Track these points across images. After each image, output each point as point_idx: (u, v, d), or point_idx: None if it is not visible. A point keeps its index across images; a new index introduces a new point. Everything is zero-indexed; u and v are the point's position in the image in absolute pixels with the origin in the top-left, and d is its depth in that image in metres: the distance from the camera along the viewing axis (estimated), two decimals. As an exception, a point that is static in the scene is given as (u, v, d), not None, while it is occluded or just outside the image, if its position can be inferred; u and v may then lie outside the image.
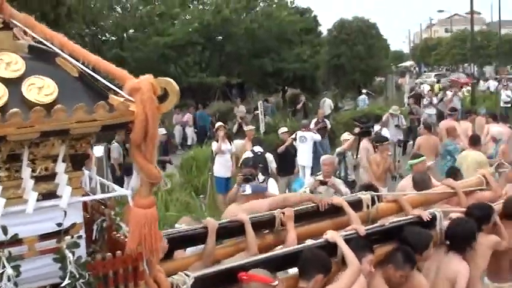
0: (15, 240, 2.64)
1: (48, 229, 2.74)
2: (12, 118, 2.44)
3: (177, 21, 30.73)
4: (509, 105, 22.63)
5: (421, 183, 6.50)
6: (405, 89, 34.14)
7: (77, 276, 2.67)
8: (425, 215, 5.05)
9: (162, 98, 2.74)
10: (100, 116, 2.64)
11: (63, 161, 2.77)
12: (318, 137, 14.93)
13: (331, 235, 4.30)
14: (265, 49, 32.38)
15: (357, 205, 5.19)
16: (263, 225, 4.59)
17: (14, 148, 2.68)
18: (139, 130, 2.68)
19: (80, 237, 2.80)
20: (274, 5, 34.50)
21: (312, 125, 17.07)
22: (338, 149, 11.48)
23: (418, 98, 24.11)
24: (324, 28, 39.80)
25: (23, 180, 2.70)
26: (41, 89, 2.64)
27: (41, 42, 2.88)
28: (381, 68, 39.20)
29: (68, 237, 2.74)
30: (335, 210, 5.07)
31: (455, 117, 14.90)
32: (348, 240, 4.31)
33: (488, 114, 15.18)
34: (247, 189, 6.12)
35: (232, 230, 4.42)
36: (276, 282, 3.62)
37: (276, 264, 3.98)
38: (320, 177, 8.30)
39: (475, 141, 10.76)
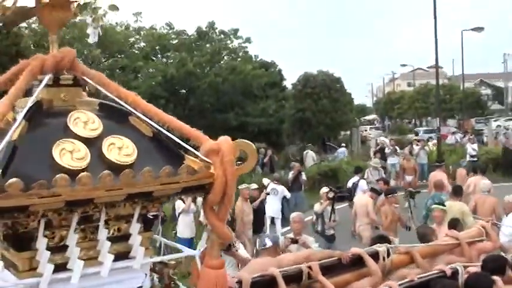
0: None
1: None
2: (103, 181, 2.48)
3: (140, 75, 30.99)
4: (475, 158, 23.28)
5: (423, 236, 6.75)
6: (371, 143, 34.98)
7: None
8: (449, 270, 5.27)
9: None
10: (183, 178, 2.70)
11: (137, 221, 2.80)
12: (287, 193, 15.45)
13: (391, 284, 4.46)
14: (230, 103, 32.84)
15: (373, 257, 5.37)
16: (291, 279, 4.71)
17: (87, 209, 2.70)
18: (219, 192, 2.76)
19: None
20: (239, 59, 35.16)
21: (289, 176, 17.44)
22: (316, 209, 11.74)
23: (383, 152, 24.82)
24: (289, 82, 40.77)
25: (99, 241, 2.71)
26: (120, 149, 2.69)
27: (113, 100, 2.93)
28: (346, 122, 40.02)
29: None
30: (354, 263, 5.25)
31: (443, 168, 15.47)
32: None
33: (478, 167, 15.68)
34: (268, 242, 6.27)
35: (263, 285, 4.49)
36: None
37: None
38: (291, 235, 8.46)
39: (456, 192, 11.14)
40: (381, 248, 5.52)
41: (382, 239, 5.92)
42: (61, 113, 2.75)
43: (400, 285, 4.80)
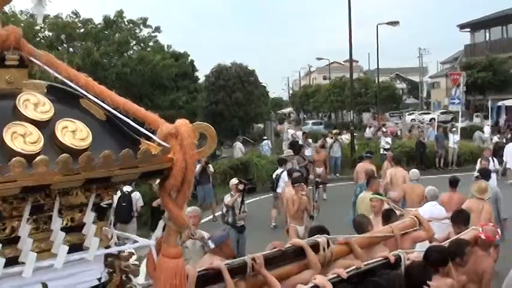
0: (53, 299, 2.59)
1: (84, 283, 2.71)
2: (61, 165, 2.42)
3: (44, 65, 29.89)
4: (389, 151, 24.13)
5: (360, 225, 7.05)
6: (284, 137, 35.64)
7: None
8: (392, 257, 5.53)
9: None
10: (142, 163, 2.68)
11: (91, 210, 2.78)
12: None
13: (320, 281, 4.56)
14: (138, 94, 32.33)
15: (313, 248, 5.50)
16: (236, 271, 4.77)
17: (39, 198, 2.65)
18: (178, 177, 2.75)
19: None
20: (148, 49, 34.73)
21: (197, 169, 17.43)
22: (226, 201, 11.93)
23: (295, 145, 25.37)
24: (202, 73, 40.74)
25: (52, 232, 2.67)
26: (74, 132, 2.65)
27: (62, 82, 2.88)
28: (260, 115, 40.53)
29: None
30: (297, 254, 5.38)
31: (372, 160, 16.16)
32: (334, 284, 4.62)
33: (391, 157, 16.44)
34: (210, 244, 6.36)
35: (209, 278, 4.54)
36: None
37: None
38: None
39: (372, 183, 11.70)
40: (321, 238, 5.67)
41: (322, 230, 6.05)
42: (8, 95, 2.67)
43: (347, 272, 4.97)
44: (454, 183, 11.58)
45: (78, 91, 2.85)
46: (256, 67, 41.25)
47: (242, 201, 11.98)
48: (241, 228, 11.87)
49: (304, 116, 78.71)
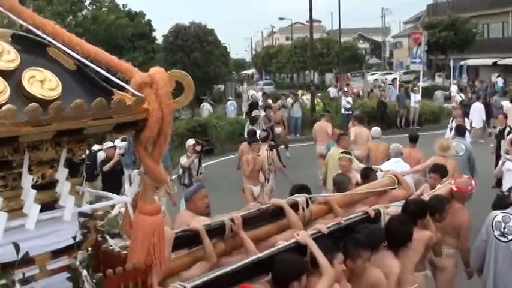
0: (26, 260, 2.48)
1: (58, 244, 2.61)
2: (30, 114, 2.27)
3: (-7, 25, 29.07)
4: (349, 112, 23.98)
5: (340, 184, 7.06)
6: (243, 97, 35.60)
7: (94, 296, 2.57)
8: (372, 211, 5.57)
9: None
10: (116, 113, 2.56)
11: (63, 166, 2.66)
12: None
13: (302, 237, 4.53)
14: (93, 55, 31.80)
15: (292, 208, 5.43)
16: (214, 233, 4.69)
17: (5, 153, 2.52)
18: (155, 128, 2.66)
19: (90, 251, 2.70)
20: (104, 9, 33.99)
21: None
22: (182, 162, 11.85)
23: (255, 106, 25.45)
24: (161, 34, 40.09)
25: (22, 190, 2.55)
26: (43, 82, 2.50)
27: (28, 30, 2.73)
28: (220, 76, 40.15)
29: (80, 253, 2.64)
30: (274, 214, 5.32)
31: (327, 118, 16.34)
32: (315, 240, 4.58)
33: (354, 117, 16.59)
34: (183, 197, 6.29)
35: (187, 239, 4.45)
36: None
37: (259, 270, 4.22)
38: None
39: (341, 139, 11.88)
40: (300, 198, 5.61)
41: (302, 189, 5.96)
42: (-30, 44, 2.53)
43: (327, 228, 4.97)
44: (413, 139, 11.88)
45: (45, 39, 2.71)
46: (218, 28, 40.65)
47: (199, 163, 11.91)
48: None
49: (267, 77, 78.67)
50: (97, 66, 2.74)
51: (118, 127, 2.64)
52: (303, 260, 4.38)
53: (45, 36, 2.70)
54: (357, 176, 8.28)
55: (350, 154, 9.67)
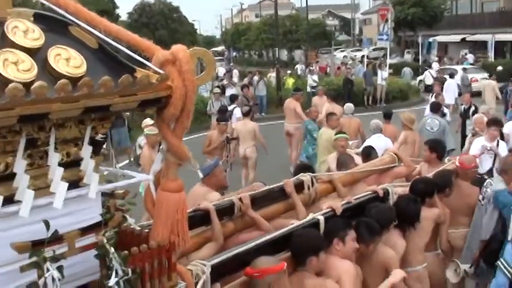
0: (56, 238, 2.52)
1: (85, 221, 2.66)
2: (61, 91, 2.30)
3: None
4: (315, 90, 23.75)
5: (345, 164, 7.16)
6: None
7: (121, 273, 2.62)
8: (381, 191, 5.67)
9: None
10: (140, 90, 2.60)
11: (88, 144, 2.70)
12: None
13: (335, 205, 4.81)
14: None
15: (298, 187, 5.57)
16: (223, 212, 4.76)
17: (31, 131, 2.55)
18: (178, 105, 2.71)
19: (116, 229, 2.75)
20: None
21: None
22: (141, 143, 11.72)
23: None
24: (125, 11, 39.69)
25: (48, 168, 2.58)
26: (68, 60, 2.52)
27: (50, 10, 2.74)
28: (186, 54, 39.98)
29: (107, 230, 2.69)
30: (284, 193, 5.44)
31: (297, 96, 16.46)
32: (327, 219, 4.72)
33: (328, 93, 16.78)
34: (200, 174, 6.31)
35: (197, 219, 4.49)
36: (285, 265, 3.91)
37: (275, 248, 4.31)
38: None
39: (327, 118, 12.14)
40: (305, 177, 5.71)
41: (306, 169, 6.09)
42: (-5, 22, 2.53)
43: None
44: (388, 116, 12.35)
45: (67, 18, 2.73)
46: (188, 4, 40.49)
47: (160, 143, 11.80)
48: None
49: (236, 54, 78.61)
50: (118, 44, 2.77)
51: (142, 104, 2.67)
52: (321, 235, 4.50)
53: (66, 15, 2.71)
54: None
55: (344, 133, 9.79)
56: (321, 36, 59.82)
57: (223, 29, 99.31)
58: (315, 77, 27.77)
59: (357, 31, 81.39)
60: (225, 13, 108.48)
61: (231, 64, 53.66)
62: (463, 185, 6.82)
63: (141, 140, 11.68)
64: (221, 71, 36.90)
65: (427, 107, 15.14)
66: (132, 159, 12.56)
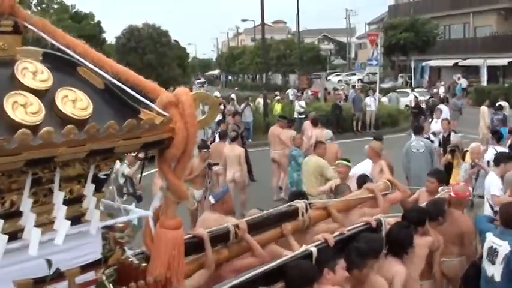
0: (57, 275, 2.61)
1: (85, 257, 2.74)
2: (67, 136, 2.41)
3: None
4: (303, 116, 24.02)
5: (341, 193, 7.22)
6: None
7: (119, 310, 2.70)
8: (373, 222, 5.79)
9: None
10: (144, 133, 2.69)
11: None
12: None
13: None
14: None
15: (292, 213, 5.73)
16: (218, 239, 4.85)
17: (37, 171, 2.64)
18: (180, 147, 2.81)
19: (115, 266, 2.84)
20: (52, 11, 33.66)
21: None
22: (126, 172, 11.86)
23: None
24: (113, 35, 39.90)
25: (52, 205, 2.67)
26: (74, 102, 2.63)
27: (59, 49, 2.85)
28: (174, 78, 39.73)
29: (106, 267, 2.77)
30: (279, 219, 5.58)
31: (283, 124, 16.22)
32: (320, 249, 4.84)
33: (315, 119, 16.88)
34: (211, 199, 6.48)
35: (191, 247, 4.48)
36: None
37: (269, 279, 4.41)
38: None
39: (317, 147, 12.17)
40: (300, 204, 5.85)
41: (300, 196, 6.24)
42: (4, 63, 2.62)
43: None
44: (378, 140, 12.30)
45: (75, 58, 2.83)
46: (185, 27, 40.76)
47: (142, 171, 11.94)
48: (139, 197, 11.93)
49: (230, 78, 79.06)
50: (124, 85, 2.87)
51: (145, 146, 2.77)
52: (315, 267, 4.60)
53: (75, 55, 2.82)
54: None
55: (348, 161, 9.87)
56: (314, 60, 60.06)
57: (219, 52, 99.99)
58: (302, 103, 27.38)
59: (352, 55, 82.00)
60: (221, 36, 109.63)
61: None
62: (456, 214, 6.94)
63: (125, 169, 11.77)
64: (217, 94, 37.08)
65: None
66: (112, 187, 12.33)
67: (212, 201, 6.43)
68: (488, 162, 10.61)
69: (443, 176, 8.48)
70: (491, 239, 5.96)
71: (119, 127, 2.58)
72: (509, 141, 12.89)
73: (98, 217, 2.79)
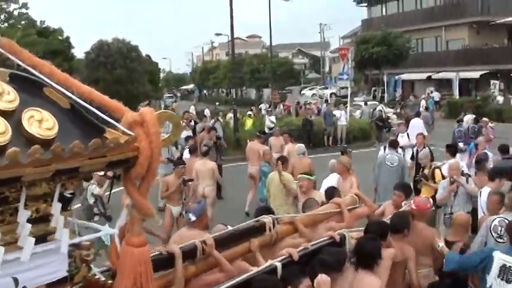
0: (23, 293, 2.67)
1: (51, 275, 2.80)
2: (33, 156, 2.48)
3: None
4: (272, 131, 22.89)
5: (307, 206, 7.38)
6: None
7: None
8: (337, 236, 5.88)
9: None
10: (110, 152, 2.78)
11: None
12: None
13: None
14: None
15: (259, 229, 5.81)
16: (186, 255, 4.88)
17: (3, 190, 2.71)
18: (143, 166, 2.89)
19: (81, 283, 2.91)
20: (19, 26, 33.56)
21: None
22: (95, 192, 11.82)
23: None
24: (84, 49, 39.78)
25: (17, 224, 2.73)
26: (41, 122, 2.70)
27: (25, 70, 2.92)
28: (143, 94, 39.58)
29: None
30: (246, 235, 5.65)
31: (262, 139, 16.75)
32: (285, 265, 4.92)
33: (288, 133, 17.06)
34: (191, 216, 6.49)
35: (161, 262, 4.61)
36: None
37: None
38: None
39: (283, 161, 12.27)
40: (267, 219, 5.94)
41: (267, 211, 6.36)
42: (-30, 85, 2.71)
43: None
44: (344, 152, 12.86)
45: (41, 79, 2.91)
46: (160, 41, 40.75)
47: (110, 190, 11.95)
48: (109, 217, 11.78)
49: (205, 92, 79.13)
50: (90, 105, 2.96)
51: (110, 164, 2.86)
52: (280, 282, 4.67)
53: (41, 76, 2.90)
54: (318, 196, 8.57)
55: (310, 175, 9.99)
56: (288, 74, 60.34)
57: (194, 67, 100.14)
58: (273, 118, 27.60)
59: (327, 69, 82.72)
60: (197, 50, 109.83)
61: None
62: (420, 226, 7.10)
63: (94, 189, 11.73)
64: (192, 109, 37.23)
65: (381, 148, 15.49)
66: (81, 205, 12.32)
67: (193, 218, 6.49)
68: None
69: (410, 190, 8.64)
70: (500, 257, 6.02)
71: (84, 146, 2.66)
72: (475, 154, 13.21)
73: (67, 235, 2.85)
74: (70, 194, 2.99)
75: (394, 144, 13.47)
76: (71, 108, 2.94)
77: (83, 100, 2.95)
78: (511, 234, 6.19)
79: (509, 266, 5.94)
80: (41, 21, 36.31)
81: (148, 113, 2.92)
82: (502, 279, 5.97)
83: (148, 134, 2.88)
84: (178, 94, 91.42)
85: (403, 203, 7.78)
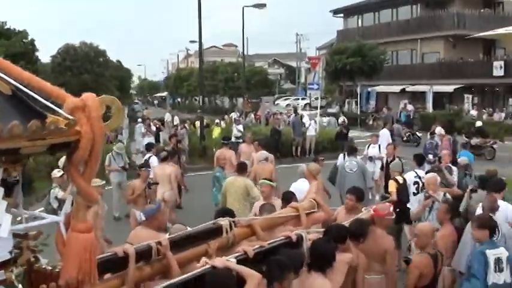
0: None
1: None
2: None
3: None
4: (240, 140, 24.00)
5: (265, 210, 7.57)
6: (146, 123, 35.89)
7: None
8: (294, 236, 5.96)
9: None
10: (50, 134, 2.87)
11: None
12: None
13: (219, 262, 4.82)
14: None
15: (217, 231, 5.87)
16: (140, 256, 4.90)
17: None
18: (85, 150, 2.99)
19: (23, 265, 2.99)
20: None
21: None
22: (59, 196, 11.70)
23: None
24: (50, 53, 39.52)
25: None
26: (-22, 106, 2.81)
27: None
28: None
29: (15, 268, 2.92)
30: (203, 237, 5.72)
31: (229, 146, 17.10)
32: (240, 262, 4.94)
33: (258, 141, 17.25)
34: (141, 216, 6.75)
35: (115, 262, 4.64)
36: None
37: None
38: None
39: (242, 168, 12.48)
40: (224, 221, 6.00)
41: (226, 213, 6.40)
42: None
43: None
44: (316, 160, 13.27)
45: None
46: (136, 48, 40.73)
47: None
48: None
49: (178, 100, 79.00)
50: (31, 91, 3.05)
51: (52, 148, 2.95)
52: (234, 276, 4.71)
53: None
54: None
55: (271, 181, 10.12)
56: (262, 84, 60.57)
57: (169, 74, 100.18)
58: (240, 127, 27.80)
59: (302, 79, 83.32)
60: (172, 58, 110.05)
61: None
62: (378, 232, 7.27)
63: (57, 192, 11.39)
64: (167, 116, 37.32)
65: (340, 156, 15.83)
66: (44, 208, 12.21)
67: (142, 218, 6.59)
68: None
69: (363, 194, 8.86)
70: (492, 253, 6.79)
71: (23, 128, 2.74)
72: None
73: (8, 220, 2.93)
74: (14, 180, 3.06)
75: (351, 151, 14.00)
76: (13, 94, 3.02)
77: (24, 86, 3.03)
78: (489, 228, 6.96)
79: (499, 258, 6.76)
80: (2, 22, 35.95)
81: (89, 97, 3.03)
82: (495, 271, 6.71)
83: (89, 118, 2.98)
84: (156, 101, 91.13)
85: (363, 209, 7.93)
